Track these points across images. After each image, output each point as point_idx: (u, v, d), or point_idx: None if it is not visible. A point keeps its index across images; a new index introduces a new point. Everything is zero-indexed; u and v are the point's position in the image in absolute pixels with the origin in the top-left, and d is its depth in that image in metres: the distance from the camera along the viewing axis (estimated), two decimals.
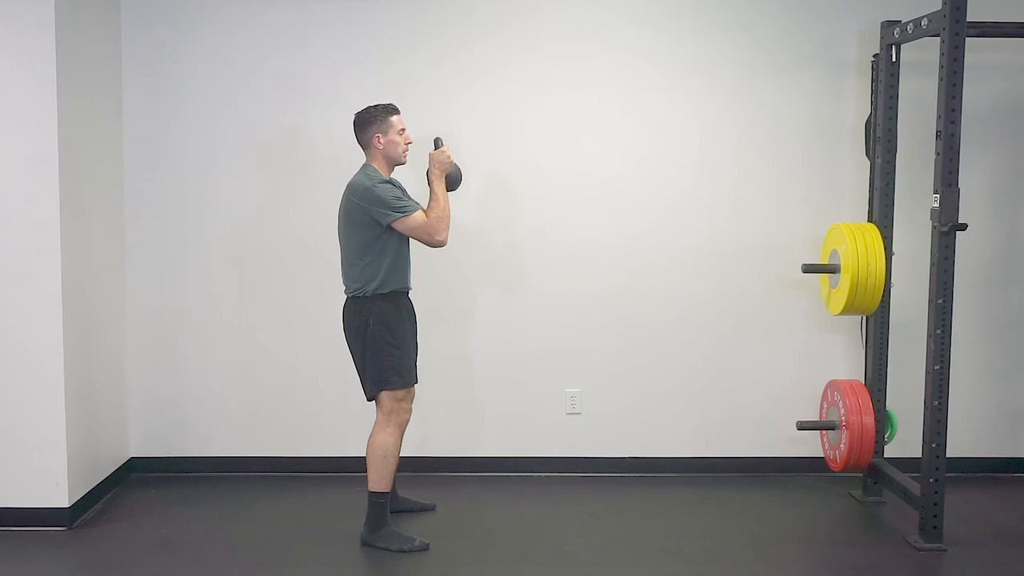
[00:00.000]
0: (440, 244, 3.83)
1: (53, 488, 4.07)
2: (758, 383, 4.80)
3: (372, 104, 3.89)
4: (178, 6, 4.65)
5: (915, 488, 3.95)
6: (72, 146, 4.11)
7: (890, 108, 4.33)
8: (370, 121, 3.85)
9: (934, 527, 3.86)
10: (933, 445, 3.82)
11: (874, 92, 4.42)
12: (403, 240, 3.86)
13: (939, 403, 3.82)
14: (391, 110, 3.87)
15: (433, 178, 3.88)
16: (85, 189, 4.26)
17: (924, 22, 3.92)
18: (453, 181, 3.95)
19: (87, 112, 4.29)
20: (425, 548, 3.84)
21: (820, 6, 4.68)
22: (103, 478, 4.47)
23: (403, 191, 3.93)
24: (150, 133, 4.68)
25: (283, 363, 4.75)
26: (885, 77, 4.33)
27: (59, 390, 4.04)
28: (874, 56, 4.46)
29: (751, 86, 4.70)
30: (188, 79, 4.67)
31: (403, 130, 3.88)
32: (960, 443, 4.51)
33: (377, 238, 3.78)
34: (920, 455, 3.91)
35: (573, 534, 4.05)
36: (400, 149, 3.87)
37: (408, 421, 3.92)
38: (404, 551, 3.81)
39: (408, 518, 4.13)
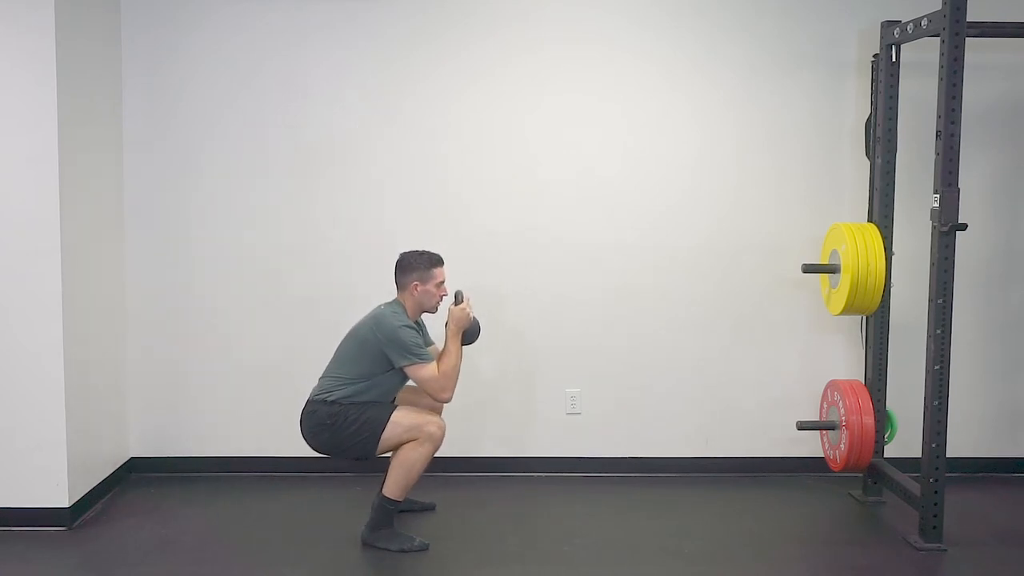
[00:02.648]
0: (444, 401, 3.90)
1: (53, 488, 4.07)
2: (758, 383, 4.80)
3: (419, 250, 3.94)
4: (178, 6, 4.65)
5: (915, 488, 3.95)
6: (72, 146, 4.10)
7: (890, 108, 4.33)
8: (413, 268, 3.90)
9: (934, 527, 3.86)
10: (933, 445, 3.82)
11: (874, 92, 4.42)
12: (402, 381, 3.93)
13: (939, 403, 3.82)
14: (435, 261, 3.92)
15: (450, 334, 3.90)
16: (85, 189, 4.25)
17: (924, 22, 3.92)
18: (470, 337, 3.98)
19: (87, 112, 4.28)
20: (425, 548, 3.84)
21: (820, 6, 4.68)
22: (103, 478, 4.46)
23: (423, 336, 3.98)
24: (150, 133, 4.68)
25: (283, 363, 4.75)
26: (885, 77, 4.33)
27: (59, 390, 4.04)
28: (874, 56, 4.46)
29: (751, 86, 4.70)
30: (188, 79, 4.67)
31: (442, 282, 3.94)
32: (960, 443, 4.51)
33: (383, 373, 3.85)
34: (920, 455, 3.91)
35: (573, 534, 4.05)
36: (434, 301, 3.94)
37: (442, 437, 3.82)
38: (404, 551, 3.81)
39: (408, 518, 4.12)
